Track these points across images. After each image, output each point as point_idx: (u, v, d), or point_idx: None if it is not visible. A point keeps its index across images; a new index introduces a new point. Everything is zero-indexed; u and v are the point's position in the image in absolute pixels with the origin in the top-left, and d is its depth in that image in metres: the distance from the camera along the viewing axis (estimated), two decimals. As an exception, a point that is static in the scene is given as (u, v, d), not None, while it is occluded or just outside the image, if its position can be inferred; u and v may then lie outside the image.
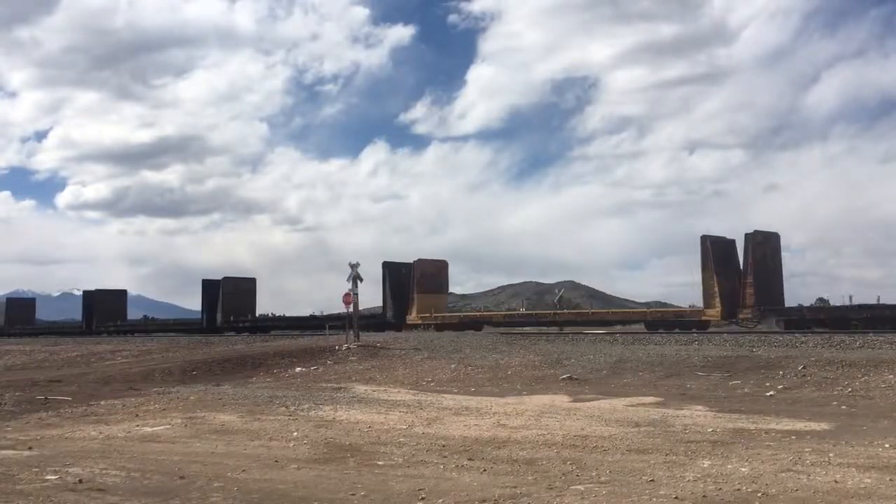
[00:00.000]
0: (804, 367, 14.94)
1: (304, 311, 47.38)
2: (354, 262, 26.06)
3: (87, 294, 62.24)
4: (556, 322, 37.34)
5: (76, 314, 68.78)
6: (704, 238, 31.66)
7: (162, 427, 10.76)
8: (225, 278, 49.69)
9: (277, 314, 49.20)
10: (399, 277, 42.12)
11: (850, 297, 30.36)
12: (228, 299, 47.82)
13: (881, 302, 29.70)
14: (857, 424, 9.71)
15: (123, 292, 65.19)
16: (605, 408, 11.88)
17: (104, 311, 58.83)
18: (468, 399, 13.42)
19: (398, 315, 41.79)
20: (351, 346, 23.30)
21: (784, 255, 33.28)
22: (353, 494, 6.47)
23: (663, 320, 33.96)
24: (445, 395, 14.03)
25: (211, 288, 49.35)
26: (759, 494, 6.10)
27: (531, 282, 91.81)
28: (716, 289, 30.22)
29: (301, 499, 6.42)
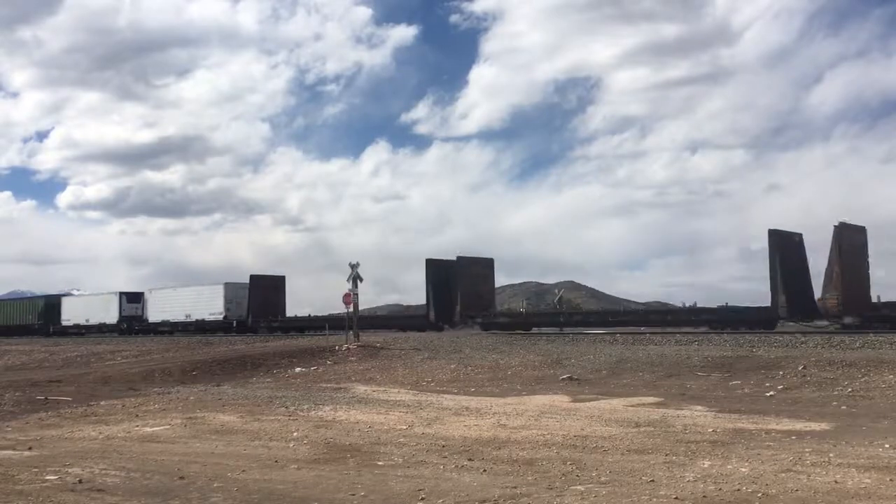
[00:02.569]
0: (804, 368, 14.93)
1: (304, 311, 47.08)
2: (355, 262, 26.15)
3: (436, 264, 36.71)
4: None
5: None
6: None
7: (162, 427, 10.75)
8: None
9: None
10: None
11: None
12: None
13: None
14: (857, 424, 9.71)
15: (492, 262, 36.85)
16: (604, 408, 11.88)
17: (472, 294, 35.85)
18: (468, 399, 13.41)
19: None
20: (351, 347, 23.30)
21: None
22: (353, 494, 6.47)
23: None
24: (445, 396, 14.02)
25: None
26: (760, 495, 6.10)
27: (531, 282, 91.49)
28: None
29: (301, 499, 6.42)
